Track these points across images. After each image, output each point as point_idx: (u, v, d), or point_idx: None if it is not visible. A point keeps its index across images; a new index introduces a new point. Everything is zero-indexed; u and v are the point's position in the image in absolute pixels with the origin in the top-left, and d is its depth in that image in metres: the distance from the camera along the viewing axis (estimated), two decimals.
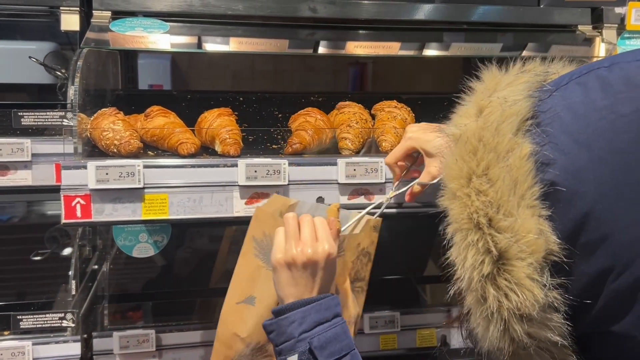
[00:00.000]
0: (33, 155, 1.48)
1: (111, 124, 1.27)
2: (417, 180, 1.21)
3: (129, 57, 2.10)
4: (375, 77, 2.47)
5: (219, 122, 1.31)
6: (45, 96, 2.01)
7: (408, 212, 1.31)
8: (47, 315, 1.48)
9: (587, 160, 0.63)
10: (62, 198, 1.17)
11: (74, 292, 1.51)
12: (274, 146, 1.43)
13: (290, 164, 1.25)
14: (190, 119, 1.39)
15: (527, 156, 0.66)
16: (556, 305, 0.65)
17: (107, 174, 1.17)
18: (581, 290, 0.65)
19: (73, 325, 1.50)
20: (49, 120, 1.50)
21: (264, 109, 1.72)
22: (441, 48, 1.89)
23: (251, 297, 1.14)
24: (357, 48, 1.70)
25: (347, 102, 1.47)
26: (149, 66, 2.34)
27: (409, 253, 2.02)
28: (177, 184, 1.22)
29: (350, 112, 1.43)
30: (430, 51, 1.88)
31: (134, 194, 1.20)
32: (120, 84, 1.91)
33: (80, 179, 1.18)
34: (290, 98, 1.86)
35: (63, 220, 1.18)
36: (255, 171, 1.24)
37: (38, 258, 1.61)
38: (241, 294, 1.15)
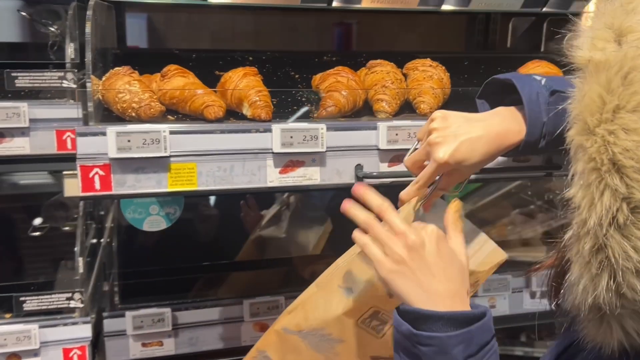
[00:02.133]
0: (31, 120, 1.33)
1: (127, 85, 1.13)
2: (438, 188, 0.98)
3: (120, 13, 1.92)
4: (361, 36, 2.33)
5: (246, 83, 1.19)
6: (23, 56, 1.83)
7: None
8: (53, 295, 1.36)
9: None
10: (78, 169, 1.04)
11: (81, 270, 1.38)
12: (302, 110, 1.32)
13: (327, 129, 1.15)
14: (201, 79, 1.26)
15: None
16: None
17: (129, 141, 1.04)
18: None
19: (82, 305, 1.38)
20: (47, 81, 1.35)
21: (278, 69, 1.59)
22: (461, 3, 1.78)
23: (348, 288, 0.96)
24: (374, 2, 1.58)
25: (379, 60, 1.36)
26: (138, 24, 2.16)
27: None
28: (206, 151, 1.10)
29: (383, 72, 1.32)
30: (449, 6, 1.77)
31: (160, 163, 1.08)
32: (116, 42, 1.75)
33: (98, 146, 1.04)
34: (303, 58, 1.73)
35: (80, 194, 1.05)
36: (291, 137, 1.12)
37: (37, 234, 1.47)
38: (344, 281, 0.95)
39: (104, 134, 1.04)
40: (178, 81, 1.20)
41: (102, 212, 1.62)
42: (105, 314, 1.41)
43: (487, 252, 1.01)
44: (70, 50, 1.41)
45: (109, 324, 1.40)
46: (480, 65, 1.75)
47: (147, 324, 1.41)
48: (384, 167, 1.20)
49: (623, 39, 0.64)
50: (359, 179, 1.18)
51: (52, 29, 1.51)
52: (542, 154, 1.22)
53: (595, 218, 0.63)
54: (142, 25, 1.91)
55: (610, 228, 0.63)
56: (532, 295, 1.69)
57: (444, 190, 1.00)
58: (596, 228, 0.63)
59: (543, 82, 0.98)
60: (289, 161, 1.15)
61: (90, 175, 1.05)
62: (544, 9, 1.71)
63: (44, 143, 1.35)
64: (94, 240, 1.66)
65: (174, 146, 1.08)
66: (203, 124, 1.12)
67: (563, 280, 0.73)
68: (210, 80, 1.38)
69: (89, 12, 1.15)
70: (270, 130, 1.12)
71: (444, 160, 0.90)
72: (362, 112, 1.31)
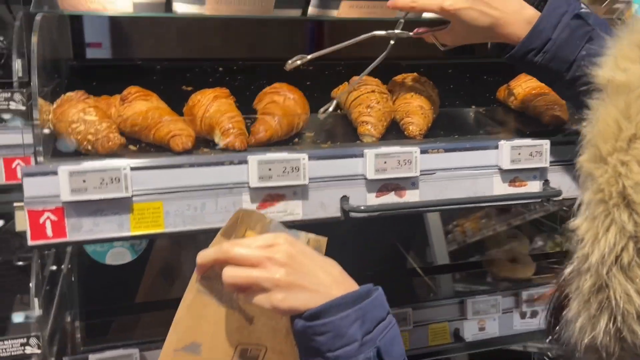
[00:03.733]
0: None
1: (81, 113, 1.00)
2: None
3: (77, 20, 1.77)
4: (334, 39, 2.18)
5: (217, 107, 1.07)
6: None
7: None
8: (6, 341, 1.22)
9: None
10: (26, 214, 0.91)
11: (37, 312, 1.25)
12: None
13: (310, 158, 1.03)
14: (166, 97, 1.13)
15: None
16: None
17: (84, 181, 0.91)
18: None
19: (39, 351, 1.24)
20: None
21: (250, 81, 1.46)
22: None
23: (194, 343, 0.86)
24: (352, 9, 1.46)
25: (364, 77, 1.25)
26: (95, 29, 2.00)
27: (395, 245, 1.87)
28: (174, 188, 0.98)
29: (367, 89, 1.21)
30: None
31: (121, 204, 0.95)
32: (72, 51, 1.60)
33: (49, 188, 0.91)
34: (277, 66, 1.61)
35: (30, 242, 0.92)
36: (270, 169, 1.01)
37: None
38: (181, 339, 0.86)
39: (55, 173, 0.91)
40: (140, 105, 1.06)
41: None
42: (65, 359, 1.27)
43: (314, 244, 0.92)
44: (17, 66, 1.26)
45: None
46: (465, 74, 1.65)
47: None
48: (372, 198, 1.09)
49: None
50: (345, 212, 1.07)
51: None
52: (536, 73, 1.15)
53: (598, 254, 0.59)
54: (103, 32, 1.76)
55: (613, 267, 0.58)
56: (522, 315, 1.62)
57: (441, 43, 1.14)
58: (598, 265, 0.59)
59: (582, 9, 1.03)
60: (267, 195, 1.03)
61: (41, 220, 0.92)
62: None
63: None
64: (53, 267, 1.52)
65: (137, 184, 0.96)
66: (169, 157, 0.99)
67: (561, 315, 0.68)
68: (176, 98, 1.26)
69: (35, 27, 1.01)
70: (245, 162, 1.00)
71: (448, 4, 1.03)
72: (345, 134, 1.20)
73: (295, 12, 1.37)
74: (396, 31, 1.16)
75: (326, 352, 0.75)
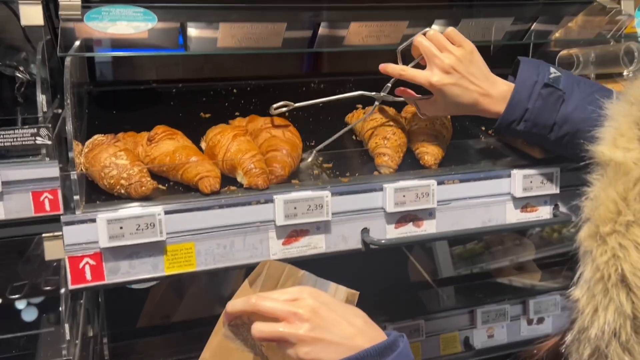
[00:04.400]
0: (3, 183, 1.22)
1: (113, 158, 1.04)
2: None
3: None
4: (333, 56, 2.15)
5: (237, 147, 1.10)
6: None
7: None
8: None
9: None
10: (67, 260, 0.95)
11: (67, 337, 1.30)
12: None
13: (332, 194, 1.08)
14: (185, 126, 1.17)
15: None
16: None
17: (121, 227, 0.96)
18: None
19: None
20: (19, 139, 1.23)
21: (265, 101, 1.50)
22: (451, 24, 1.72)
23: None
24: (362, 28, 1.49)
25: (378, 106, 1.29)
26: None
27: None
28: (204, 229, 1.02)
29: (383, 118, 1.25)
30: (438, 27, 1.70)
31: (155, 247, 1.00)
32: (88, 76, 1.62)
33: (87, 235, 0.96)
34: (289, 85, 1.64)
35: (70, 286, 0.97)
36: (295, 207, 1.05)
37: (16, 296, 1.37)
38: None
39: (93, 220, 0.95)
40: (167, 145, 1.10)
41: None
42: None
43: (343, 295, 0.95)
44: (42, 100, 1.29)
45: None
46: None
47: None
48: (391, 229, 1.14)
49: None
50: (366, 244, 1.12)
51: (20, 74, 1.38)
52: (524, 138, 1.20)
53: (597, 329, 0.61)
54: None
55: (612, 341, 0.60)
56: (529, 322, 1.68)
57: (421, 112, 1.19)
58: (598, 337, 0.61)
59: (551, 75, 1.09)
60: (293, 231, 1.08)
61: (80, 266, 0.96)
62: (535, 25, 1.66)
63: (19, 206, 1.24)
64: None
65: (170, 226, 1.00)
66: (199, 200, 1.03)
67: None
68: (195, 124, 1.29)
69: (67, 72, 1.04)
70: (272, 201, 1.05)
71: (435, 80, 1.09)
72: (362, 164, 1.24)
73: (306, 34, 1.41)
74: (382, 94, 1.22)
75: None
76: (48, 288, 1.41)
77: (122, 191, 1.01)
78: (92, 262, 0.97)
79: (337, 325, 0.80)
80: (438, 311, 1.60)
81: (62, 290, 1.35)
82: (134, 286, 1.39)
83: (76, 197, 0.97)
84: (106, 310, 1.52)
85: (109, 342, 1.38)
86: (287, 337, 0.79)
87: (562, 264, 1.90)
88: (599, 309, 0.61)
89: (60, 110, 1.36)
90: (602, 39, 1.62)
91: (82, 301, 1.51)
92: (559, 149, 1.12)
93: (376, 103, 1.24)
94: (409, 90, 1.20)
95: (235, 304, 0.85)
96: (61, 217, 0.95)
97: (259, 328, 0.81)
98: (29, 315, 1.44)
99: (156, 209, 0.98)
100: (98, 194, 1.04)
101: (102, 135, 1.09)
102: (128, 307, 1.50)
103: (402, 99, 1.22)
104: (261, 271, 0.90)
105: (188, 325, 1.45)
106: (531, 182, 1.19)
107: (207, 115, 1.40)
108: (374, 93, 1.23)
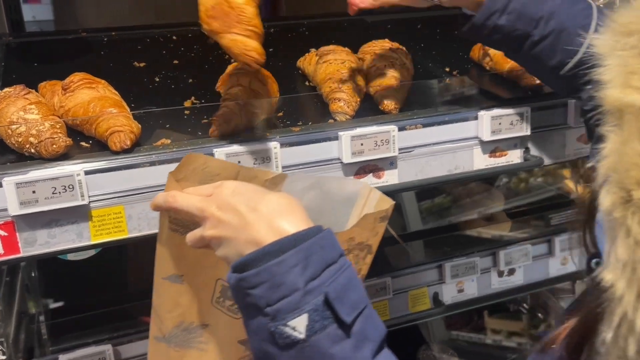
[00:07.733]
0: None
1: (22, 112, 0.89)
2: None
3: None
4: None
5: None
6: None
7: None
8: None
9: None
10: None
11: None
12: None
13: (282, 146, 0.96)
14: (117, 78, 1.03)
15: None
16: None
17: (34, 192, 0.82)
18: None
19: (4, 357, 1.17)
20: None
21: (207, 48, 1.35)
22: None
23: (175, 275, 0.85)
24: None
25: (331, 47, 1.16)
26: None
27: None
28: (134, 189, 0.89)
29: (337, 61, 1.12)
30: None
31: (77, 213, 0.87)
32: (7, 27, 1.44)
33: None
34: None
35: None
36: (239, 162, 0.93)
37: None
38: (163, 271, 0.85)
39: None
40: (83, 95, 0.96)
41: None
42: None
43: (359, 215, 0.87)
44: None
45: None
46: (435, 29, 1.57)
47: None
48: None
49: None
50: None
51: None
52: (502, 40, 1.01)
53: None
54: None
55: None
56: (500, 274, 1.61)
57: None
58: None
59: None
60: None
61: None
62: None
63: None
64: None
65: (93, 189, 0.87)
66: (126, 157, 0.90)
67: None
68: (128, 76, 1.15)
69: None
70: (212, 155, 0.92)
71: None
72: (315, 111, 1.12)
73: None
74: None
75: (265, 306, 0.63)
76: None
77: (32, 150, 0.87)
78: (3, 232, 0.83)
79: (250, 220, 0.69)
80: (405, 267, 1.52)
81: None
82: (71, 258, 1.26)
83: None
84: (46, 285, 1.40)
85: (46, 320, 1.26)
86: (207, 240, 0.72)
87: (530, 213, 1.83)
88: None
89: None
90: None
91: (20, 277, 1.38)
92: (537, 60, 0.98)
93: None
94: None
95: (155, 200, 0.79)
96: None
97: (188, 238, 0.76)
98: None
99: (75, 168, 0.84)
100: (7, 154, 0.89)
101: (10, 87, 0.94)
102: (69, 280, 1.37)
103: None
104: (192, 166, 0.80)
105: (133, 298, 1.33)
106: (500, 123, 1.09)
107: (142, 64, 1.25)
108: None
